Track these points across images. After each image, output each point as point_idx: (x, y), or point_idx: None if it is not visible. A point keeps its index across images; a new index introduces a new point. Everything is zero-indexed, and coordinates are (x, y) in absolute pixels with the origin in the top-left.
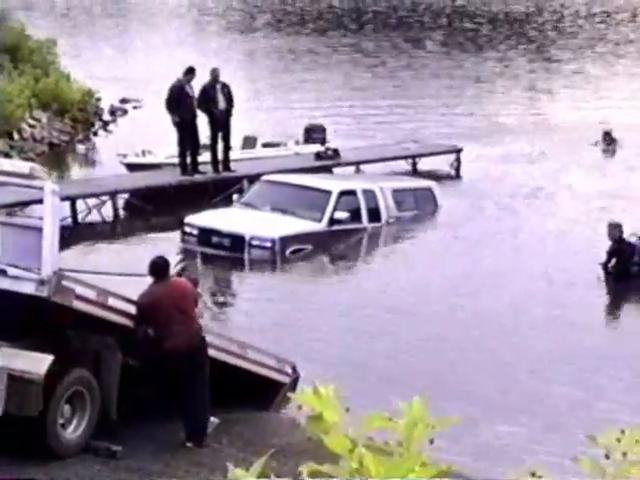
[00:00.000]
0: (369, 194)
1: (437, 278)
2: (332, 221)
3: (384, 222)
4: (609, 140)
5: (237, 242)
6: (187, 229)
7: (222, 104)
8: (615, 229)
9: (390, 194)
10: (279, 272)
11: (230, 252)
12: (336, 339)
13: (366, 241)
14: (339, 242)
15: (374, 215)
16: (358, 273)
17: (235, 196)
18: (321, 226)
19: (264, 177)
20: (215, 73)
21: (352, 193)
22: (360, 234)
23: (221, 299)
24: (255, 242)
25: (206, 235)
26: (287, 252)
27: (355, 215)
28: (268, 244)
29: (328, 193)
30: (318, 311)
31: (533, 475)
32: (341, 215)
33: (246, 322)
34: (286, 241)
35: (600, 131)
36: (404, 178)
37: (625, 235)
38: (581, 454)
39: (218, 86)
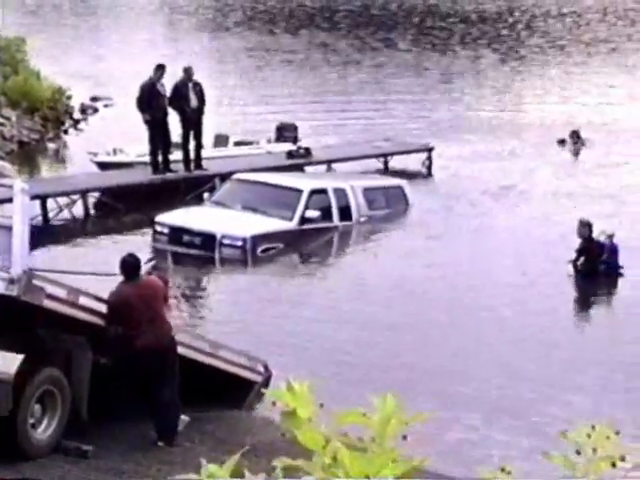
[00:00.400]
0: (340, 193)
1: (409, 275)
2: (303, 220)
3: (355, 221)
4: (576, 139)
5: (208, 241)
6: (158, 228)
7: (194, 102)
8: (585, 227)
9: (361, 192)
10: (250, 271)
11: (201, 251)
12: (309, 336)
13: (337, 239)
14: (310, 241)
15: (345, 214)
16: (329, 271)
17: (206, 194)
18: (292, 225)
19: (235, 176)
20: (189, 72)
21: (323, 192)
22: (331, 233)
23: (192, 298)
24: (226, 241)
25: (177, 234)
26: (258, 251)
27: (326, 214)
28: (239, 243)
29: (299, 192)
30: (290, 309)
31: (502, 470)
32: (312, 214)
33: (217, 321)
34: (257, 240)
35: (568, 130)
36: (375, 177)
37: (595, 234)
38: (552, 450)
39: (190, 84)
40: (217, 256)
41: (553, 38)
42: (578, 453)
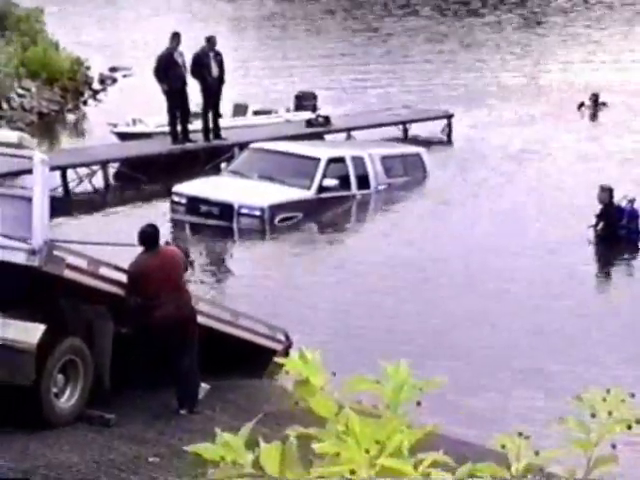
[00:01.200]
0: (358, 161)
1: (428, 245)
2: (321, 188)
3: (373, 189)
4: (595, 102)
5: (226, 211)
6: (175, 198)
7: (215, 72)
8: (605, 192)
9: (379, 161)
10: (269, 240)
11: (219, 221)
12: (328, 306)
13: (355, 208)
14: (328, 209)
15: (363, 182)
16: (348, 241)
17: (223, 164)
18: (310, 194)
19: (252, 145)
20: (212, 41)
21: (341, 160)
22: (349, 201)
23: (211, 268)
24: (244, 210)
25: (195, 204)
26: (276, 220)
27: (344, 182)
28: (257, 212)
29: (317, 160)
30: (310, 279)
31: (520, 435)
32: (330, 182)
33: (237, 290)
34: (275, 209)
35: (588, 94)
36: (393, 144)
37: (616, 199)
38: (567, 414)
39: (212, 54)
40: (235, 226)
41: (576, 2)
42: (593, 416)
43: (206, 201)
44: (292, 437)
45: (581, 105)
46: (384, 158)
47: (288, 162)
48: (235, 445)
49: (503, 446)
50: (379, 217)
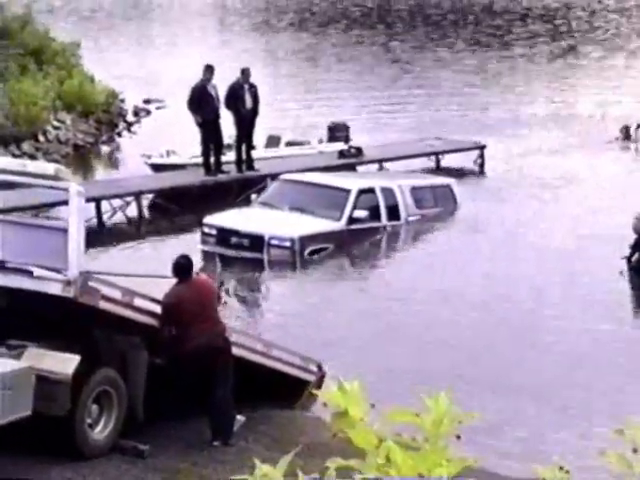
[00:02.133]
0: (388, 192)
1: (460, 280)
2: (351, 220)
3: (403, 220)
4: (627, 134)
5: (256, 242)
6: (206, 229)
7: (249, 104)
8: None
9: (409, 192)
10: (299, 272)
11: (249, 252)
12: (360, 339)
13: (386, 240)
14: (359, 241)
15: (393, 213)
16: (380, 274)
17: (254, 196)
18: (340, 225)
19: (282, 176)
20: (246, 73)
21: (371, 191)
22: (380, 233)
23: (242, 300)
24: (274, 242)
25: (225, 235)
26: (306, 252)
27: (374, 213)
28: (287, 244)
29: (347, 192)
30: (341, 311)
31: (561, 469)
32: (360, 214)
33: (269, 322)
34: (305, 241)
35: (620, 125)
36: (423, 175)
37: None
38: (608, 448)
39: (246, 86)
40: (265, 257)
41: (612, 33)
42: (635, 451)
43: (236, 232)
44: (332, 469)
45: (615, 138)
46: (414, 189)
47: (318, 193)
48: (274, 477)
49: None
50: (410, 249)
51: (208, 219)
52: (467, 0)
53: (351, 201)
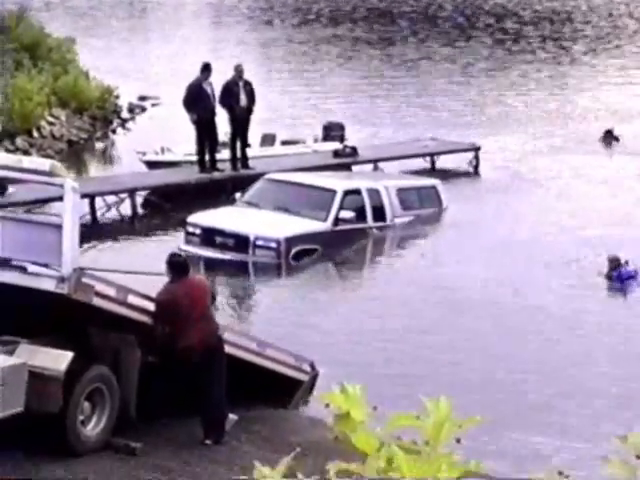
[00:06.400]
0: (373, 193)
1: (447, 278)
2: (337, 221)
3: (389, 221)
4: (610, 137)
5: (241, 242)
6: (190, 229)
7: (244, 101)
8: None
9: (395, 193)
10: (285, 272)
11: (234, 252)
12: (350, 339)
13: (371, 241)
14: (345, 242)
15: (379, 214)
16: (367, 274)
17: (237, 194)
18: (326, 226)
19: (267, 175)
20: (239, 69)
21: (357, 192)
22: (365, 234)
23: (229, 301)
24: (260, 242)
25: (209, 235)
26: (292, 252)
27: (360, 214)
28: (273, 244)
29: (333, 192)
30: (332, 312)
31: (560, 474)
32: (346, 214)
33: (257, 322)
34: (291, 241)
35: (604, 128)
36: (408, 176)
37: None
38: (611, 454)
39: (241, 83)
40: (250, 258)
41: (605, 33)
42: (638, 458)
43: (221, 232)
44: (332, 472)
45: (605, 138)
46: (400, 190)
47: (304, 193)
48: (273, 479)
49: None
50: (395, 250)
51: (192, 218)
52: (469, 1)
53: (337, 202)
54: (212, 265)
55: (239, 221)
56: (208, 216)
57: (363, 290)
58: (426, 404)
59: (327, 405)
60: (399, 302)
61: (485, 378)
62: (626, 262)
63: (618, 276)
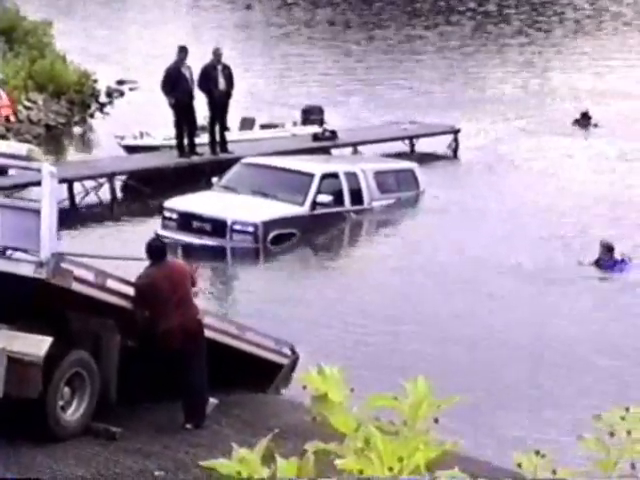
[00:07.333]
0: (351, 176)
1: (424, 260)
2: (314, 204)
3: (366, 204)
4: (586, 121)
5: (219, 227)
6: (167, 214)
7: (222, 85)
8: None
9: (372, 176)
10: (263, 255)
11: (211, 237)
12: (330, 322)
13: (349, 224)
14: (322, 225)
15: (356, 198)
16: (345, 257)
17: (215, 179)
18: (304, 210)
19: (244, 160)
20: (217, 53)
21: (334, 176)
22: (343, 217)
23: (212, 283)
24: (237, 227)
25: (186, 220)
26: (270, 237)
27: (337, 198)
28: (251, 229)
29: (310, 176)
30: (311, 296)
31: (537, 454)
32: (324, 198)
33: (240, 306)
34: (269, 225)
35: (581, 110)
36: (385, 160)
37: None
38: (586, 432)
39: (219, 67)
40: (228, 243)
41: (586, 16)
42: (612, 435)
43: (198, 217)
44: (310, 452)
45: (577, 121)
46: (377, 173)
47: (281, 177)
48: (251, 460)
49: (519, 465)
50: (373, 233)
51: (169, 203)
52: None
53: (315, 185)
54: (189, 250)
55: (216, 206)
56: (185, 201)
57: (342, 274)
58: (404, 385)
59: (305, 387)
60: (379, 286)
61: (467, 361)
62: (622, 255)
63: (611, 265)
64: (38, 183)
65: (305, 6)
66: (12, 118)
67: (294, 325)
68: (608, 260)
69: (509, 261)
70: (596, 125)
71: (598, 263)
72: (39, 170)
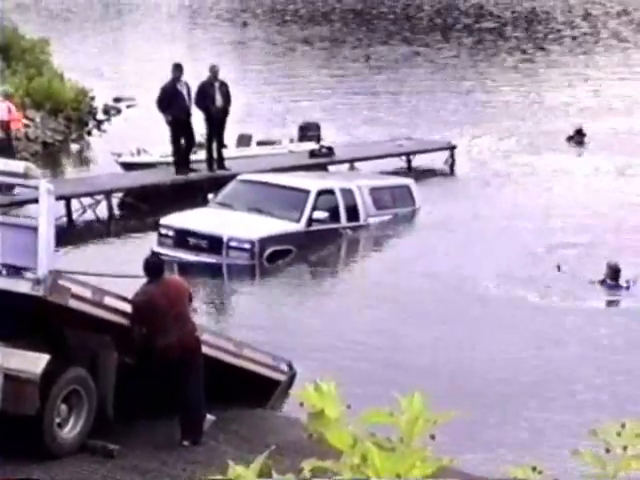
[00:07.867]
0: (347, 193)
1: (423, 278)
2: (310, 221)
3: (362, 221)
4: (580, 138)
5: (215, 244)
6: (163, 230)
7: (220, 102)
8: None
9: (368, 192)
10: (259, 273)
11: (207, 254)
12: (327, 339)
13: (345, 241)
14: (318, 242)
15: (352, 214)
16: (342, 273)
17: (210, 195)
18: (300, 226)
19: (240, 176)
20: (214, 70)
21: (330, 192)
22: (339, 234)
23: (208, 300)
24: (233, 244)
25: (183, 237)
26: (266, 254)
27: (333, 215)
28: (247, 245)
29: (306, 192)
30: (307, 312)
31: (534, 469)
32: (320, 215)
33: (236, 323)
34: (265, 242)
35: (576, 127)
36: (381, 176)
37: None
38: (582, 447)
39: (217, 84)
40: (224, 260)
41: (582, 33)
42: (608, 451)
43: (194, 233)
44: (306, 470)
45: (570, 138)
46: (373, 190)
47: (277, 194)
48: (247, 478)
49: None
50: (369, 250)
51: (165, 220)
52: (447, 2)
53: (310, 202)
54: (186, 267)
55: (212, 222)
56: (181, 218)
57: (338, 290)
58: (400, 400)
59: (301, 404)
60: (376, 303)
61: (465, 375)
62: (627, 282)
63: (614, 287)
64: (36, 200)
65: (302, 23)
66: (19, 133)
67: (291, 342)
68: (613, 284)
69: (505, 276)
70: (589, 142)
71: (602, 283)
72: (37, 187)
